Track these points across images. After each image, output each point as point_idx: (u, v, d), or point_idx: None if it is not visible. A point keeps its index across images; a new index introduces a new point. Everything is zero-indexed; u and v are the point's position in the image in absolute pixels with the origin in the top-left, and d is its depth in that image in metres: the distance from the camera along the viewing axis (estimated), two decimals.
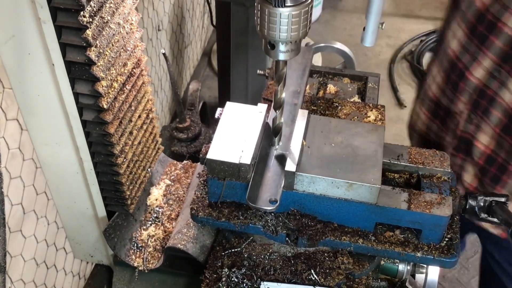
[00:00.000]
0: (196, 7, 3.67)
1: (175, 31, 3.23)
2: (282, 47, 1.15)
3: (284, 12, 1.06)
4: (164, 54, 1.78)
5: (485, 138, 1.55)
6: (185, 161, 1.87)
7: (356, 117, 1.65)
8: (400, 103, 3.70)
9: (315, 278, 1.38)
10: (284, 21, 1.08)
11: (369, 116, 1.66)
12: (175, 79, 1.93)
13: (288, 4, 1.06)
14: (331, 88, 1.86)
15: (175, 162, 1.86)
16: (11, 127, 1.47)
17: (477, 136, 1.57)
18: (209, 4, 3.12)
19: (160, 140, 1.74)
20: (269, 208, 1.29)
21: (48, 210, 1.76)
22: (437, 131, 1.79)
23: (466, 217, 1.64)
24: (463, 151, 1.64)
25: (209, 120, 2.58)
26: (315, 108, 1.69)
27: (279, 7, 1.04)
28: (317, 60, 3.75)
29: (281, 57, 1.17)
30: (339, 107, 1.69)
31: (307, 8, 1.08)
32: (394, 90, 3.79)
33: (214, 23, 3.01)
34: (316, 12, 4.35)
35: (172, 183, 1.78)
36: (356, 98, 1.83)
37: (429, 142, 1.83)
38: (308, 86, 1.86)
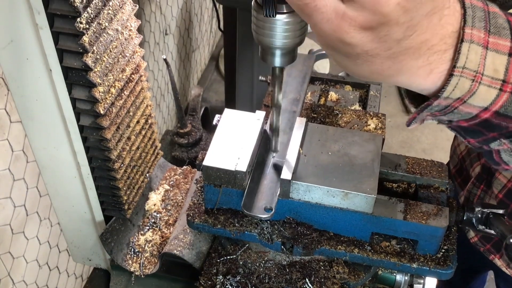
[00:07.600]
0: (205, 12, 3.68)
1: (182, 36, 3.24)
2: (277, 54, 1.14)
3: (279, 19, 1.05)
4: (165, 59, 1.78)
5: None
6: (184, 167, 1.86)
7: (356, 125, 1.65)
8: (407, 110, 3.69)
9: (310, 287, 1.37)
10: (279, 27, 1.07)
11: (369, 125, 1.65)
12: (175, 84, 1.94)
13: (284, 11, 1.05)
14: (333, 95, 1.85)
15: (174, 167, 1.86)
16: (15, 129, 1.48)
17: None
18: (216, 9, 3.13)
19: (159, 145, 1.73)
20: (264, 216, 1.28)
21: (52, 212, 1.77)
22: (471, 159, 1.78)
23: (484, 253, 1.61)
24: (485, 181, 1.62)
25: (211, 126, 2.58)
26: (315, 115, 1.69)
27: (270, 17, 1.03)
28: (325, 66, 3.74)
29: (277, 63, 1.16)
30: (339, 115, 1.68)
31: None
32: (402, 96, 3.78)
33: (222, 28, 3.01)
34: None
35: (171, 189, 1.78)
36: (357, 106, 1.82)
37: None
38: (309, 93, 1.85)
